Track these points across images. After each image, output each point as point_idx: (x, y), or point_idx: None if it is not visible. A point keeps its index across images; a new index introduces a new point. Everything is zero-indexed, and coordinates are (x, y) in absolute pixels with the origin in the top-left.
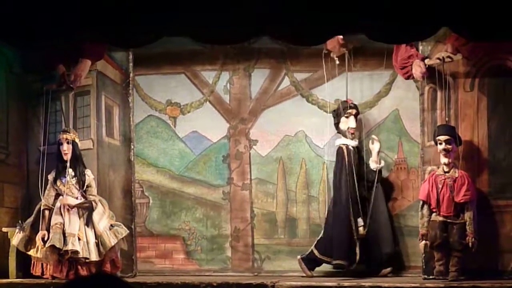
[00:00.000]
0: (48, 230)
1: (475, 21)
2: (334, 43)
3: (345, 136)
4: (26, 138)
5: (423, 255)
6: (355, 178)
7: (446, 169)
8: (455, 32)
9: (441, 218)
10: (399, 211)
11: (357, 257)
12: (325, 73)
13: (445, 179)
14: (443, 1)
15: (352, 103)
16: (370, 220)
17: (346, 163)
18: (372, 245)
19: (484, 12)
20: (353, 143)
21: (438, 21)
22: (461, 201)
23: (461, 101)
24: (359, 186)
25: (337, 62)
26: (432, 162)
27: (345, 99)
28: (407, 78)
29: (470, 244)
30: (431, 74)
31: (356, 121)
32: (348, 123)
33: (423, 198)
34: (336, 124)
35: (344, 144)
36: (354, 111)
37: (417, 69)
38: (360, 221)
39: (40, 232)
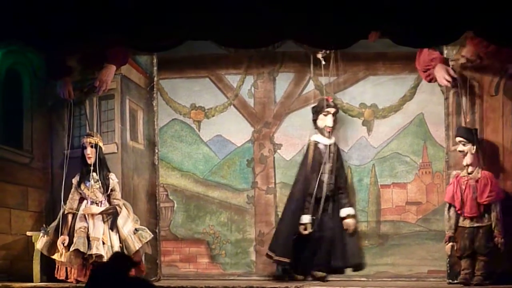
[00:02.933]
0: (71, 235)
1: (500, 25)
2: None
3: (321, 133)
4: (50, 142)
5: (448, 260)
6: (317, 176)
7: (469, 170)
8: (480, 36)
9: (468, 224)
10: (423, 215)
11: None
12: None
13: (468, 180)
14: (467, 5)
15: (332, 101)
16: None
17: (310, 159)
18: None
19: (508, 16)
20: (327, 141)
21: (463, 25)
22: (485, 202)
23: (486, 105)
24: (323, 184)
25: (323, 62)
26: (457, 166)
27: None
28: (430, 81)
29: (499, 244)
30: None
31: (335, 120)
32: (325, 121)
33: (449, 200)
34: (314, 121)
35: (314, 141)
36: (332, 110)
37: (442, 75)
38: (305, 218)
39: (61, 236)
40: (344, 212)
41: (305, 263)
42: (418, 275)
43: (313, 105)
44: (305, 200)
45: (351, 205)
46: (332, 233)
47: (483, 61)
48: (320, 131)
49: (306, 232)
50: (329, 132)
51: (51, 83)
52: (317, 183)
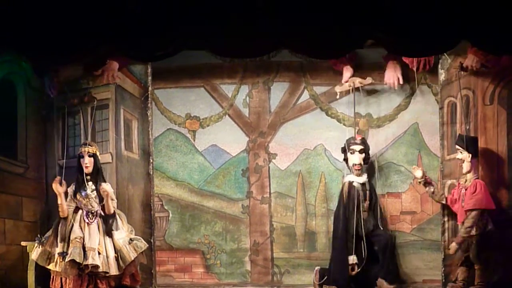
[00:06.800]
0: (66, 245)
1: (494, 34)
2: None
3: (352, 172)
4: (45, 152)
5: (443, 269)
6: (354, 215)
7: (467, 178)
8: (474, 45)
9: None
10: (418, 224)
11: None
12: (337, 92)
13: (461, 188)
14: (462, 14)
15: (360, 139)
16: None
17: (345, 200)
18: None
19: (503, 25)
20: (358, 179)
21: (458, 35)
22: (467, 209)
23: (480, 115)
24: (363, 222)
25: (338, 96)
26: (452, 176)
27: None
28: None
29: (451, 248)
30: (450, 88)
31: (365, 157)
32: (352, 159)
33: (449, 202)
34: (345, 160)
35: (348, 181)
36: (358, 148)
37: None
38: (351, 259)
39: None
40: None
41: None
42: (413, 285)
43: (342, 146)
44: (347, 240)
45: None
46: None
47: (486, 69)
48: (350, 169)
49: (353, 273)
50: (357, 170)
51: (45, 92)
52: (355, 222)
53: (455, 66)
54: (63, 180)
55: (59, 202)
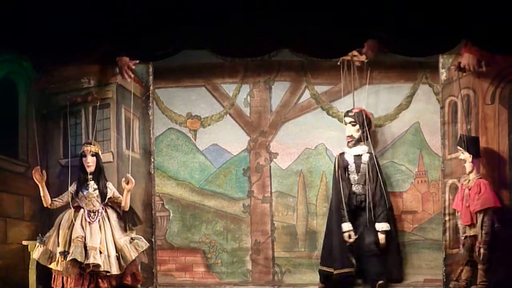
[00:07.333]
0: (67, 244)
1: (494, 33)
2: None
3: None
4: (46, 151)
5: (444, 268)
6: (347, 185)
7: (470, 178)
8: (475, 45)
9: (467, 232)
10: (419, 224)
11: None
12: (342, 84)
13: (464, 189)
14: (463, 14)
15: (355, 112)
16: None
17: (336, 169)
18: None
19: (503, 24)
20: (351, 151)
21: (459, 34)
22: (474, 210)
23: (481, 114)
24: (354, 195)
25: (339, 63)
26: (453, 175)
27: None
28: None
29: (480, 254)
30: (451, 87)
31: (361, 130)
32: (345, 130)
33: (454, 206)
34: None
35: (341, 151)
36: (348, 120)
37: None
38: (345, 226)
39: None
40: (377, 226)
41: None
42: (414, 284)
43: None
44: (340, 209)
45: (386, 219)
46: (369, 245)
47: (484, 68)
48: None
49: (351, 240)
50: (348, 141)
51: (46, 91)
52: (343, 193)
53: (455, 65)
54: (43, 171)
55: (41, 192)
